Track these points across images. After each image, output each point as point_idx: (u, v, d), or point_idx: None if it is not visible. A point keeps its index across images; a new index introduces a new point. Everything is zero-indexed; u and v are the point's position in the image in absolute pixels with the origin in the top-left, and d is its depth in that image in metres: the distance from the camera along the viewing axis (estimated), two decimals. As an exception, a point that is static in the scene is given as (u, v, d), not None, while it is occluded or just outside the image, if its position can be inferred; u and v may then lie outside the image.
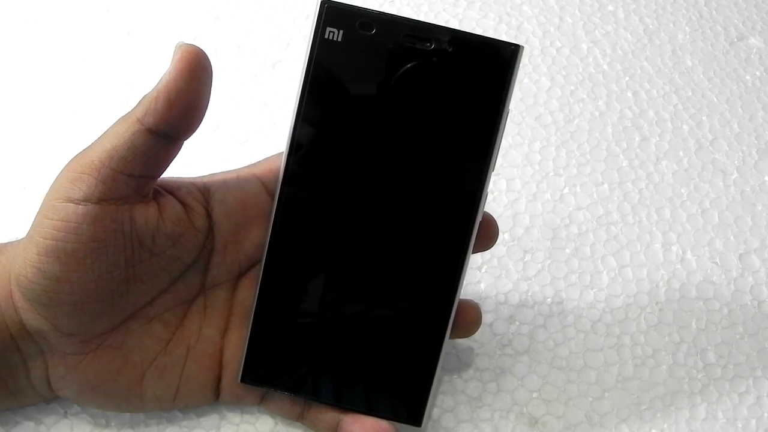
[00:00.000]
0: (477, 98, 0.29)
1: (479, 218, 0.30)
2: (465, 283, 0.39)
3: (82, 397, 0.30)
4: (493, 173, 0.30)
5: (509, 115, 0.29)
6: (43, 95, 0.45)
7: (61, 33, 0.48)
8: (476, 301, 0.33)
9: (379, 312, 0.31)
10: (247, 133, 0.44)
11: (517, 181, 0.43)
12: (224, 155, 0.43)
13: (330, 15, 0.28)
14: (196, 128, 0.28)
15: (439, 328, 0.31)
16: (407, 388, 0.31)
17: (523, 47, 0.28)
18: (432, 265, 0.30)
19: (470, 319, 0.32)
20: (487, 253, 0.40)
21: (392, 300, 0.31)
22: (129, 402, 0.31)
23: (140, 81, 0.46)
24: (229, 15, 0.50)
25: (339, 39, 0.28)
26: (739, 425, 0.35)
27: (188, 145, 0.29)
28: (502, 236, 0.41)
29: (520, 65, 0.29)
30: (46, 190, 0.28)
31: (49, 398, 0.32)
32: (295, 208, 0.30)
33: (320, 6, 0.28)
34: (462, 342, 0.37)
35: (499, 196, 0.43)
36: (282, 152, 0.30)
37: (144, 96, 0.27)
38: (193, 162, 0.34)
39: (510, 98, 0.29)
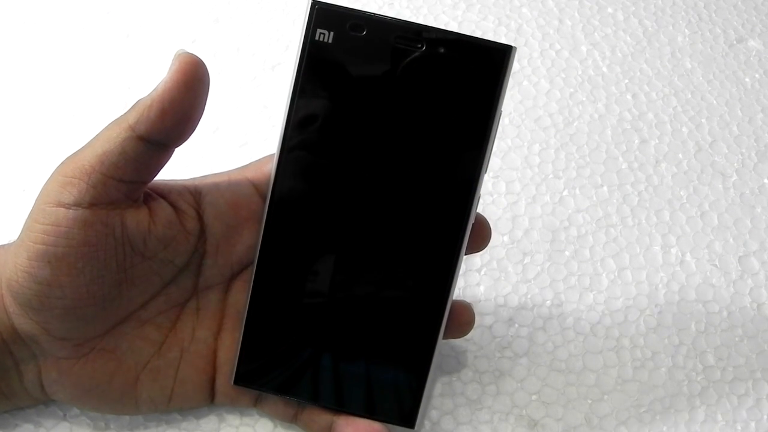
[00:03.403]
0: (469, 100, 0.29)
1: (472, 220, 0.30)
2: (464, 285, 0.39)
3: (76, 401, 0.30)
4: (491, 175, 0.30)
5: (503, 116, 0.29)
6: (42, 98, 0.45)
7: (60, 36, 0.48)
8: (470, 302, 0.33)
9: (372, 313, 0.31)
10: (246, 135, 0.44)
11: (516, 184, 0.43)
12: (223, 158, 0.43)
13: (320, 16, 0.28)
14: (188, 137, 0.28)
15: (432, 328, 0.31)
16: (401, 389, 0.31)
17: (515, 48, 0.28)
18: (425, 266, 0.30)
19: (464, 319, 0.32)
20: (486, 256, 0.40)
21: (385, 301, 0.31)
22: (124, 405, 0.31)
23: (139, 84, 0.46)
24: (228, 17, 0.50)
25: (329, 40, 0.28)
26: (739, 428, 0.35)
27: (187, 147, 0.29)
28: (502, 238, 0.41)
29: (519, 67, 0.29)
30: None
31: (43, 401, 0.32)
32: (286, 210, 0.30)
33: (310, 7, 0.28)
34: (461, 344, 0.37)
35: (498, 199, 0.43)
36: (273, 154, 0.30)
37: (138, 101, 0.27)
38: (192, 164, 0.34)
39: (502, 100, 0.29)
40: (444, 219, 0.30)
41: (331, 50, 0.28)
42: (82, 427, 0.33)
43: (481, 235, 0.32)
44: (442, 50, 0.28)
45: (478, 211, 0.31)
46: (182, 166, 0.32)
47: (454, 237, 0.30)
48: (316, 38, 0.28)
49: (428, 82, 0.29)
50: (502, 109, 0.29)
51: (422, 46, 0.28)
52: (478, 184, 0.29)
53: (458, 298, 0.32)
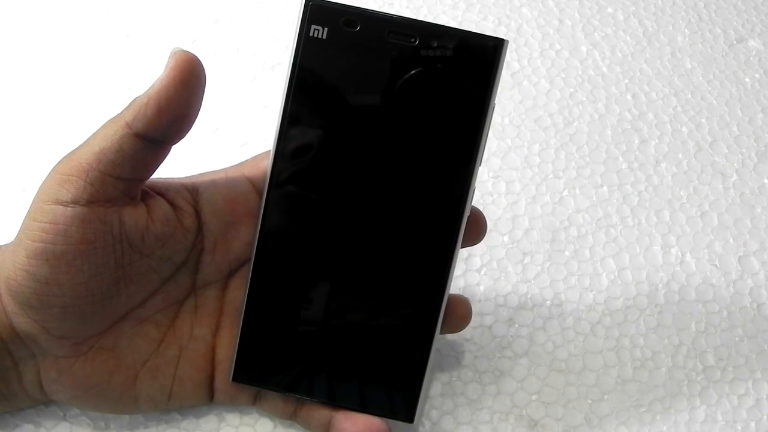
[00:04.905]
0: (462, 93, 0.29)
1: (467, 213, 0.30)
2: (464, 285, 0.39)
3: (75, 400, 0.30)
4: (491, 175, 0.30)
5: (504, 116, 0.29)
6: (42, 98, 0.45)
7: (60, 36, 0.48)
8: (466, 296, 0.33)
9: (368, 309, 0.31)
10: (246, 135, 0.44)
11: (516, 184, 0.43)
12: (223, 157, 0.43)
13: (314, 13, 0.28)
14: (185, 135, 0.28)
15: (429, 323, 0.31)
16: (399, 385, 0.31)
17: (507, 41, 0.29)
18: (421, 261, 0.30)
19: (460, 314, 0.32)
20: (486, 256, 0.40)
21: (382, 296, 0.31)
22: (123, 403, 0.31)
23: (139, 84, 0.45)
24: (228, 17, 0.50)
25: (324, 37, 0.29)
26: (739, 428, 0.35)
27: (187, 147, 0.29)
28: (502, 238, 0.41)
29: (519, 67, 0.29)
30: None
31: (43, 401, 0.32)
32: (283, 206, 0.30)
33: (304, 4, 0.28)
34: (461, 344, 0.37)
35: (499, 199, 0.43)
36: (270, 150, 0.30)
37: (135, 99, 0.27)
38: (192, 164, 0.34)
39: (495, 93, 0.29)
40: (440, 211, 0.30)
41: (325, 46, 0.29)
42: (82, 427, 0.33)
43: (477, 227, 0.32)
44: (435, 44, 0.28)
45: (477, 208, 0.31)
46: (182, 166, 0.32)
47: (450, 229, 0.30)
48: (311, 34, 0.29)
49: (422, 75, 0.29)
50: (501, 107, 0.29)
51: (416, 41, 0.28)
52: (473, 177, 0.30)
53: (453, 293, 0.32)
